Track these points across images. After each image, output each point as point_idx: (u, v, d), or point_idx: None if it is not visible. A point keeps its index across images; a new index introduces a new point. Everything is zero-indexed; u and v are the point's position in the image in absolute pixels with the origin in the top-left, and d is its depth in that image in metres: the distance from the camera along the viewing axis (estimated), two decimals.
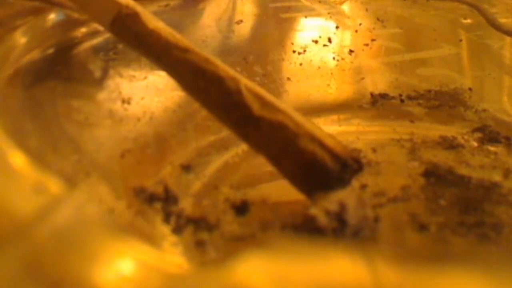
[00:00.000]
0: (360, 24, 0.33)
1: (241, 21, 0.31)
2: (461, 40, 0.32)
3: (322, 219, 0.17)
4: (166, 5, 0.29)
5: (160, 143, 0.24)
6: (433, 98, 0.29)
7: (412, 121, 0.27)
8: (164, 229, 0.19)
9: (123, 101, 0.24)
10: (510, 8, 0.33)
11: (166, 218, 0.20)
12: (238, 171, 0.23)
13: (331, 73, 0.30)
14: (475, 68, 0.31)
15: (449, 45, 0.32)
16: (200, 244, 0.18)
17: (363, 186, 0.20)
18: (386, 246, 0.18)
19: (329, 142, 0.19)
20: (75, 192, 0.16)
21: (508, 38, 0.31)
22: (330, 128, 0.25)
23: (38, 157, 0.18)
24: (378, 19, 0.33)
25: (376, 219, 0.18)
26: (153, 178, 0.21)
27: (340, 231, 0.17)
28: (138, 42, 0.20)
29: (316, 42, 0.31)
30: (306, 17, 0.32)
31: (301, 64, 0.30)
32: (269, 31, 0.31)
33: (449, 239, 0.18)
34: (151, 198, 0.20)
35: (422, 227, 0.19)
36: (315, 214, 0.17)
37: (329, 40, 0.31)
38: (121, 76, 0.24)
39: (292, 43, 0.31)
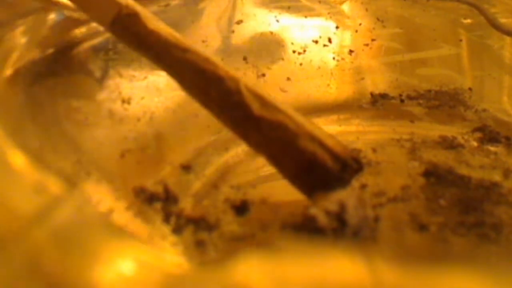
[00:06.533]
0: (360, 24, 0.33)
1: (241, 21, 0.31)
2: (461, 40, 0.32)
3: (322, 219, 0.17)
4: (166, 5, 0.29)
5: (160, 143, 0.24)
6: (433, 98, 0.29)
7: (412, 121, 0.27)
8: (164, 229, 0.19)
9: (123, 101, 0.24)
10: (510, 8, 0.33)
11: (166, 218, 0.20)
12: (238, 171, 0.23)
13: (331, 73, 0.30)
14: (475, 68, 0.31)
15: (449, 45, 0.32)
16: (200, 244, 0.18)
17: (363, 186, 0.20)
18: (386, 246, 0.18)
19: (329, 142, 0.19)
20: (75, 192, 0.16)
21: (508, 38, 0.31)
22: (330, 128, 0.25)
23: (38, 157, 0.18)
24: (378, 19, 0.33)
25: (376, 219, 0.18)
26: (153, 178, 0.21)
27: (340, 231, 0.17)
28: (138, 42, 0.20)
29: (316, 42, 0.31)
30: (306, 17, 0.32)
31: (301, 64, 0.30)
32: (269, 31, 0.31)
33: (449, 239, 0.18)
34: (151, 198, 0.20)
35: (422, 227, 0.19)
36: (315, 214, 0.17)
37: (329, 40, 0.31)
38: (121, 76, 0.24)
39: (292, 43, 0.31)
